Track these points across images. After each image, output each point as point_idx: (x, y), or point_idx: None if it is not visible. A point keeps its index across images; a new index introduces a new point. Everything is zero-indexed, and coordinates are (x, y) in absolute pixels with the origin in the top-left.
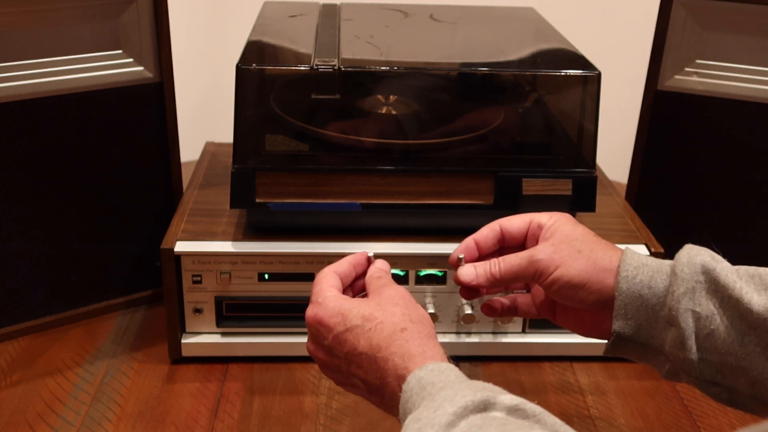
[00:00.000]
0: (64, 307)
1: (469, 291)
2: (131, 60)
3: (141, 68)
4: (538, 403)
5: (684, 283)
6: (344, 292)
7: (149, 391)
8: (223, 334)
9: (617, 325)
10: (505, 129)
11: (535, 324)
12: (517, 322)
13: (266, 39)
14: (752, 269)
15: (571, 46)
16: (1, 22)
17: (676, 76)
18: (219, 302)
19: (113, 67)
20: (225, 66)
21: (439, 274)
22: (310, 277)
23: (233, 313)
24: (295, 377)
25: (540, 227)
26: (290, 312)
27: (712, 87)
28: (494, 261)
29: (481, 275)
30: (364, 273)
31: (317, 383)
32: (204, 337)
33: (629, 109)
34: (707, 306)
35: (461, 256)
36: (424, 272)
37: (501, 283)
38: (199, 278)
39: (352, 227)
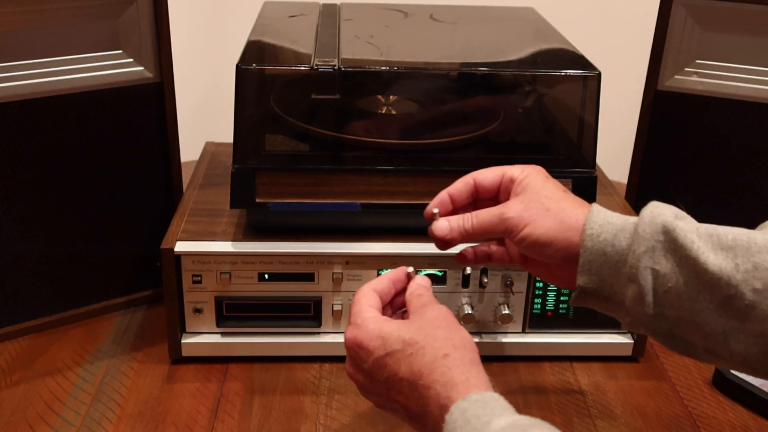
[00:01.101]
0: (64, 307)
1: (444, 243)
2: (131, 60)
3: (141, 68)
4: (539, 404)
5: (645, 242)
6: (384, 309)
7: (149, 391)
8: (223, 334)
9: (581, 280)
10: (505, 129)
11: (535, 324)
12: (517, 322)
13: (266, 39)
14: (712, 228)
15: (571, 46)
16: (1, 22)
17: (676, 76)
18: (219, 302)
19: (113, 67)
20: (225, 66)
21: (439, 274)
22: (310, 277)
23: (233, 313)
24: (295, 377)
25: (512, 181)
26: (290, 312)
27: (712, 87)
28: (467, 216)
29: (454, 229)
30: (404, 289)
31: (317, 383)
32: (204, 337)
33: (629, 109)
34: (666, 264)
35: (435, 210)
36: (424, 272)
37: (473, 237)
38: (199, 278)
39: (352, 227)
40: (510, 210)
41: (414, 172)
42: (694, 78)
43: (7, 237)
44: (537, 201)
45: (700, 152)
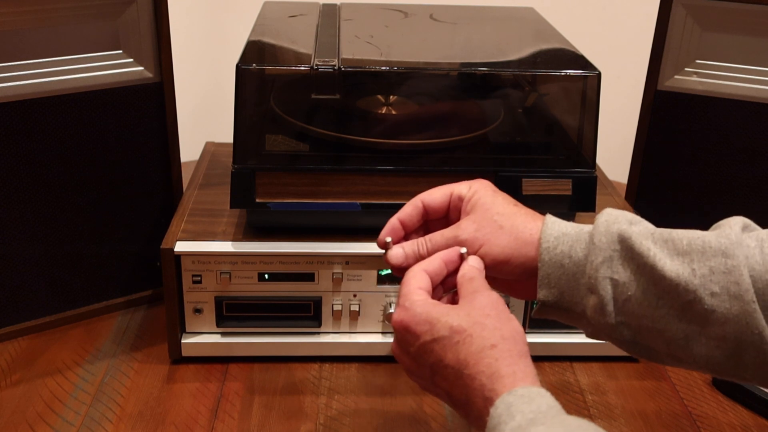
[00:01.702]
0: (64, 307)
1: (401, 270)
2: (131, 60)
3: (141, 68)
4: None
5: (601, 252)
6: (434, 289)
7: (149, 391)
8: (223, 334)
9: (541, 294)
10: (505, 129)
11: (535, 324)
12: None
13: (266, 39)
14: (666, 233)
15: (571, 46)
16: (1, 22)
17: (676, 76)
18: (219, 302)
19: (113, 67)
20: (225, 66)
21: None
22: (310, 277)
23: (233, 313)
24: (295, 377)
25: (461, 199)
26: (290, 312)
27: (712, 87)
28: (421, 241)
29: (410, 256)
30: (456, 270)
31: (317, 383)
32: (204, 337)
33: (629, 109)
34: (624, 273)
35: (388, 239)
36: None
37: None
38: (199, 278)
39: (352, 227)
40: (463, 232)
41: (414, 172)
42: (694, 78)
43: (7, 237)
44: (489, 219)
45: (700, 152)
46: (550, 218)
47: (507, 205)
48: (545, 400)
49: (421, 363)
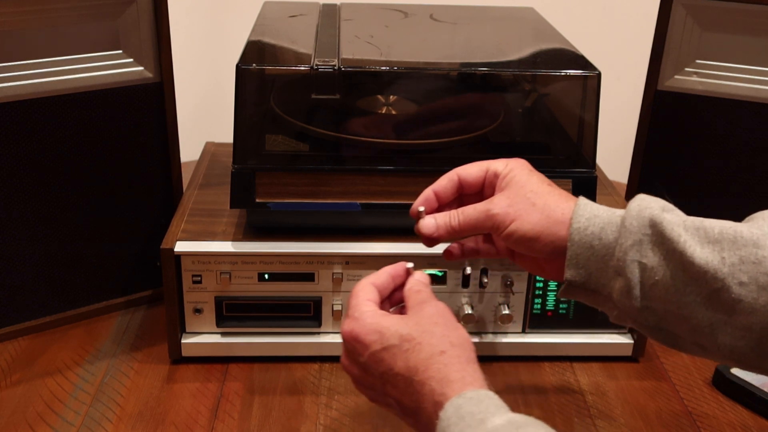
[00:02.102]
0: (64, 307)
1: (430, 240)
2: (131, 60)
3: (141, 68)
4: (539, 404)
5: (632, 235)
6: (382, 303)
7: (149, 391)
8: (223, 334)
9: (569, 274)
10: (505, 129)
11: (535, 324)
12: (517, 322)
13: (266, 39)
14: (698, 221)
15: (571, 46)
16: (1, 22)
17: (676, 76)
18: (219, 302)
19: (113, 67)
20: (225, 66)
21: (439, 274)
22: (310, 277)
23: (233, 313)
24: (295, 377)
25: (496, 176)
26: (290, 312)
27: (712, 87)
28: (453, 213)
29: (441, 227)
30: (403, 284)
31: (317, 383)
32: (204, 337)
33: (629, 109)
34: (653, 258)
35: (421, 208)
36: (424, 272)
37: (460, 234)
38: (199, 278)
39: (352, 227)
40: (496, 206)
41: (414, 172)
42: (694, 78)
43: (8, 237)
44: (522, 196)
45: (700, 152)
46: (582, 200)
47: (541, 184)
48: (493, 401)
49: (370, 373)
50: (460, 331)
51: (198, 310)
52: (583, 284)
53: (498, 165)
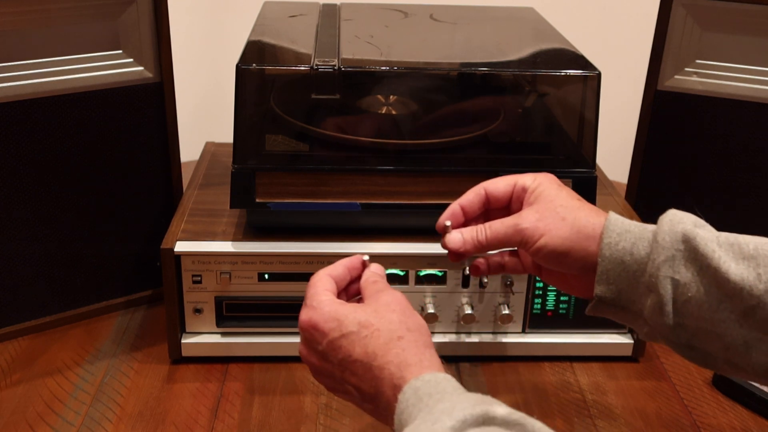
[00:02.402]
0: (64, 307)
1: (457, 255)
2: (131, 60)
3: (141, 68)
4: (539, 404)
5: (664, 251)
6: (338, 295)
7: (149, 391)
8: (223, 334)
9: (599, 290)
10: (505, 129)
11: (535, 324)
12: (517, 322)
13: (266, 39)
14: (732, 237)
15: (571, 46)
16: (1, 22)
17: (676, 76)
18: (219, 302)
19: (113, 67)
20: (225, 66)
21: (439, 274)
22: (309, 278)
23: (233, 313)
24: (295, 377)
25: (524, 190)
26: (290, 312)
27: (712, 87)
28: (480, 228)
29: (468, 242)
30: (359, 277)
31: (317, 383)
32: (204, 337)
33: (629, 109)
34: (686, 274)
35: (448, 223)
36: (424, 272)
37: (487, 248)
38: (199, 278)
39: (352, 227)
40: (525, 220)
41: (414, 172)
42: (694, 78)
43: (8, 237)
44: (552, 210)
45: (700, 152)
46: (613, 215)
47: (571, 198)
48: (450, 383)
49: (329, 360)
50: (417, 318)
51: (198, 310)
52: (613, 301)
53: (526, 179)
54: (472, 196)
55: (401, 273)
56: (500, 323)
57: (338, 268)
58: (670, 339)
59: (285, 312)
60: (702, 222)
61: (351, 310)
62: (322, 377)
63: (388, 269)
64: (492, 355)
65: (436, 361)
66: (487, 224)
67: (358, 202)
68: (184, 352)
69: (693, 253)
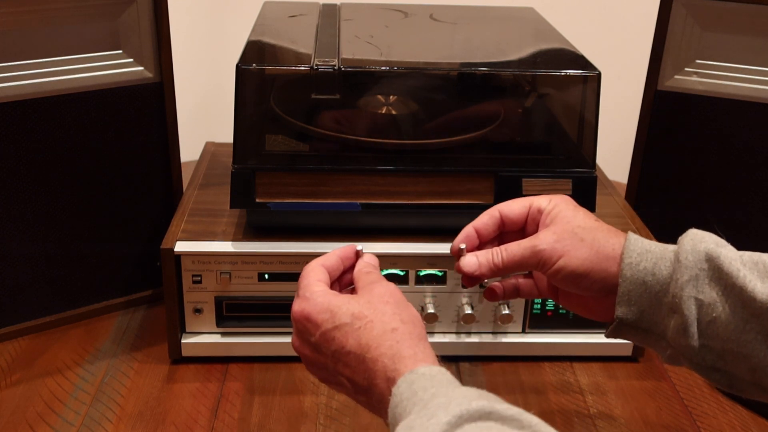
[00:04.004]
0: (64, 307)
1: (471, 279)
2: (131, 60)
3: (141, 68)
4: (539, 404)
5: (688, 270)
6: (332, 286)
7: (149, 391)
8: (223, 334)
9: (620, 311)
10: (505, 129)
11: (535, 324)
12: (517, 322)
13: (266, 39)
14: (756, 255)
15: (571, 46)
16: (1, 22)
17: (676, 76)
18: (219, 302)
19: (113, 67)
20: (225, 66)
21: (439, 274)
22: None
23: (233, 313)
24: (295, 377)
25: (540, 212)
26: (290, 312)
27: (712, 87)
28: (496, 251)
29: (483, 265)
30: (352, 267)
31: (317, 383)
32: (204, 337)
33: (629, 109)
34: (710, 294)
35: (462, 246)
36: (424, 272)
37: (503, 272)
38: (199, 278)
39: (352, 227)
40: (542, 242)
41: (414, 172)
42: (694, 78)
43: (7, 237)
44: (570, 231)
45: (700, 152)
46: (632, 235)
47: (588, 219)
48: (445, 376)
49: (322, 352)
50: (411, 309)
51: (198, 310)
52: (635, 323)
53: (542, 201)
54: (487, 218)
55: (401, 273)
56: (500, 323)
57: (331, 258)
58: (694, 361)
59: (285, 312)
60: (723, 241)
61: (344, 302)
62: (315, 369)
63: (388, 269)
64: (492, 355)
65: (431, 353)
66: (503, 247)
67: (358, 202)
68: (184, 352)
69: (717, 273)
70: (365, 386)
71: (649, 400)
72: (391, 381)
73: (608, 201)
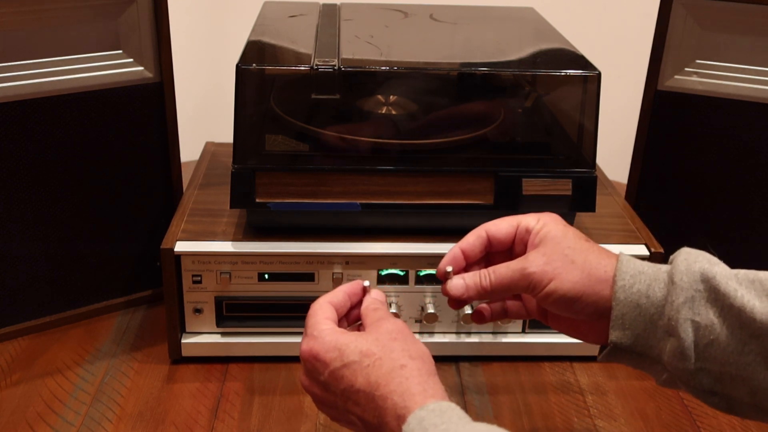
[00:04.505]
0: (64, 307)
1: (459, 302)
2: (131, 60)
3: (141, 68)
4: (539, 404)
5: (683, 292)
6: (339, 322)
7: (149, 391)
8: (223, 334)
9: (614, 336)
10: (505, 129)
11: (535, 324)
12: (517, 322)
13: (266, 39)
14: (752, 273)
15: (571, 46)
16: (1, 22)
17: (676, 76)
18: (219, 302)
19: (113, 67)
20: (225, 66)
21: None
22: (310, 277)
23: (233, 313)
24: (295, 377)
25: (528, 231)
26: (290, 312)
27: (712, 87)
28: (484, 273)
29: (471, 288)
30: (360, 302)
31: None
32: (204, 337)
33: (629, 109)
34: (707, 315)
35: (449, 269)
36: (424, 272)
37: (491, 295)
38: (199, 278)
39: (352, 227)
40: (532, 264)
41: (414, 172)
42: (694, 78)
43: (7, 237)
44: (560, 252)
45: (700, 152)
46: (624, 256)
47: (578, 239)
48: (455, 412)
49: (332, 391)
50: (419, 345)
51: (198, 310)
52: (630, 347)
53: (529, 220)
54: (473, 239)
55: (401, 273)
56: (500, 323)
57: (338, 294)
58: (691, 385)
59: (285, 312)
60: (716, 260)
61: (352, 339)
62: (325, 407)
63: (388, 269)
64: (492, 355)
65: (440, 388)
66: (491, 269)
67: (358, 202)
68: (184, 352)
69: (713, 293)
70: (375, 424)
71: (649, 400)
72: (401, 419)
73: (608, 201)
